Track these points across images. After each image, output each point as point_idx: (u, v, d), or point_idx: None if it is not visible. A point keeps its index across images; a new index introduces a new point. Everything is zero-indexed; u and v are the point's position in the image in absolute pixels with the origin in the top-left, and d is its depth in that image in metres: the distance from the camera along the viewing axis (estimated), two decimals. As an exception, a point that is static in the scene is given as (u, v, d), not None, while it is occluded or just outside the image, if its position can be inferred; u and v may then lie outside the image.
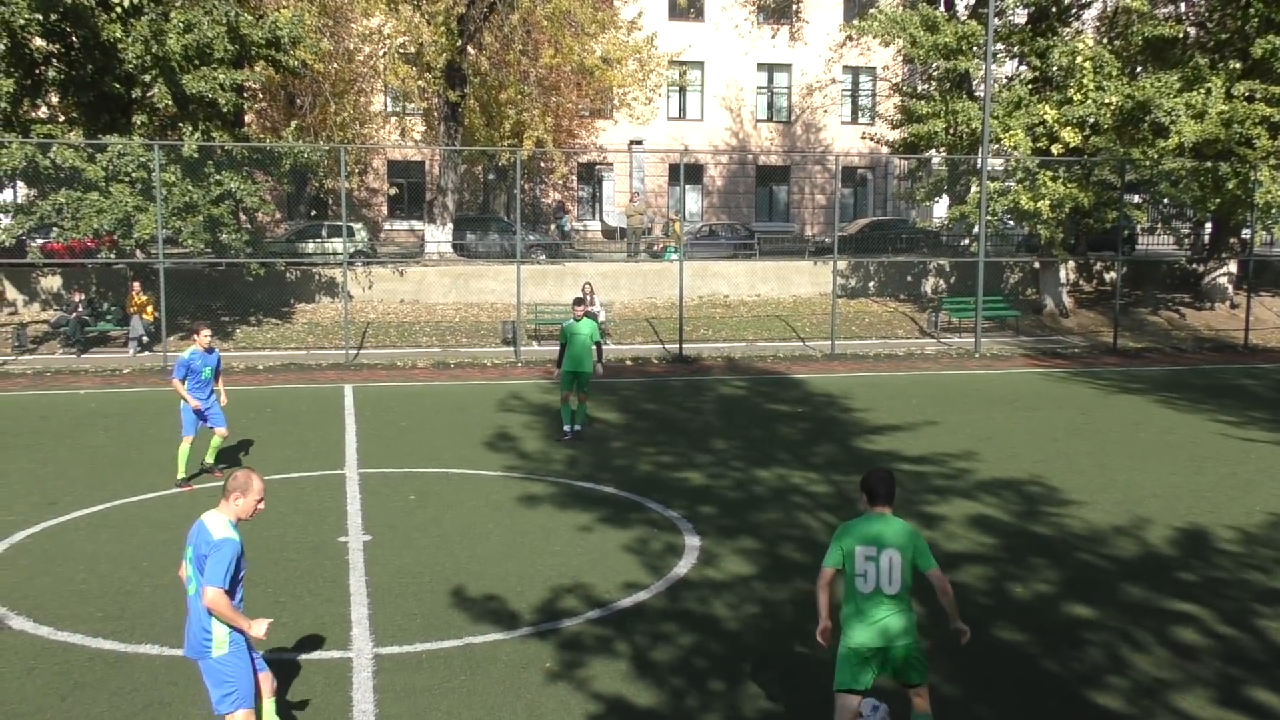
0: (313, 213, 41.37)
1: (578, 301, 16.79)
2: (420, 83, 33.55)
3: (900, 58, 39.30)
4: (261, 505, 6.76)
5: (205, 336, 13.66)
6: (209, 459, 14.09)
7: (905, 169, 38.48)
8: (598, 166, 48.28)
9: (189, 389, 13.46)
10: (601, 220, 48.21)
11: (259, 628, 6.44)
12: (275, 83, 33.60)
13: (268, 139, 30.54)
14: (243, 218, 27.53)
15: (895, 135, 35.14)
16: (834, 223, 29.63)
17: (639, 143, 45.06)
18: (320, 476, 14.09)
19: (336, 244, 31.16)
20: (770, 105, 50.62)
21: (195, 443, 13.71)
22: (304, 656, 8.57)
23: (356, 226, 34.77)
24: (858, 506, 6.89)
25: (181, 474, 13.61)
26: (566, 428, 16.21)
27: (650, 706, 7.82)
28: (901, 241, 38.61)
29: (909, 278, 34.31)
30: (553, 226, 42.55)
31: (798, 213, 49.96)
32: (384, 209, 46.04)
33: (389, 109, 40.95)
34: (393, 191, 42.42)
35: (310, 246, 33.53)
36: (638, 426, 17.58)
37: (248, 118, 31.99)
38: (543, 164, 38.42)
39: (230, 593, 6.41)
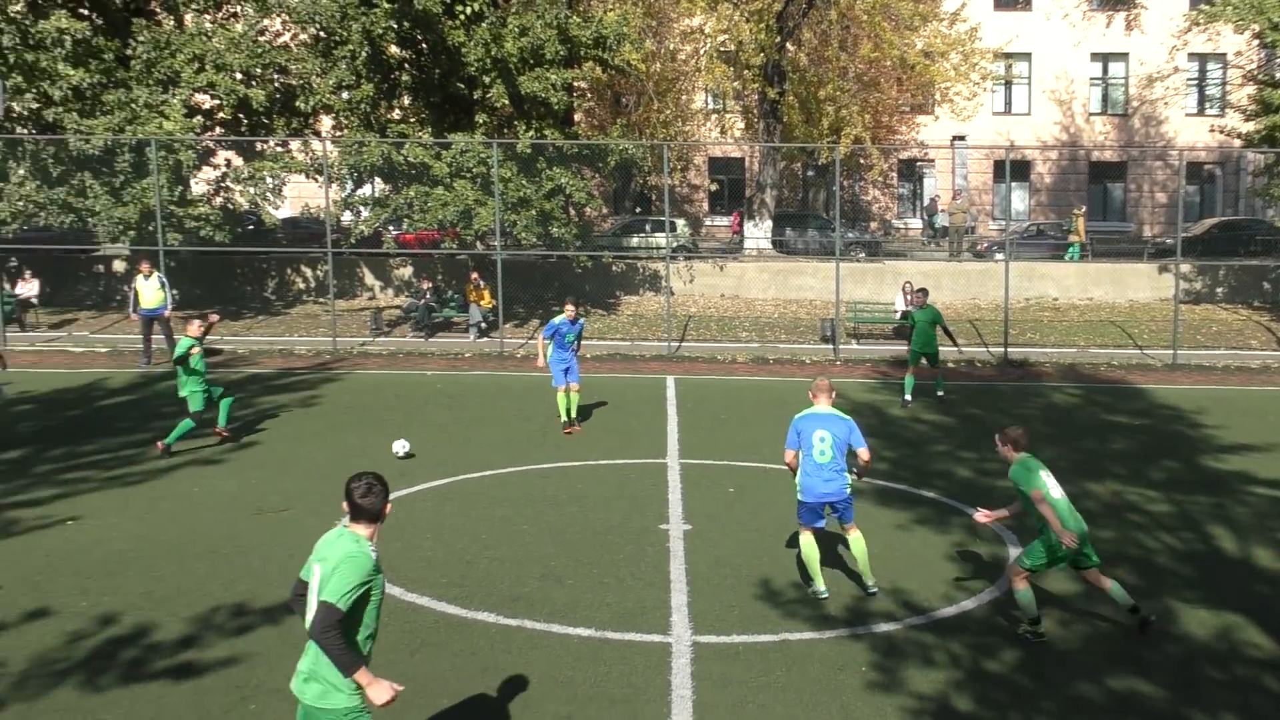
0: (637, 209, 42.71)
1: (922, 290, 20.24)
2: (736, 83, 33.97)
3: (1256, 43, 36.03)
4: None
5: (570, 310, 16.21)
6: (570, 414, 16.27)
7: (1261, 164, 35.29)
8: (918, 163, 47.17)
9: (553, 349, 16.10)
10: (922, 218, 47.07)
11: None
12: (602, 82, 34.91)
13: (595, 136, 31.80)
14: (572, 212, 28.81)
15: (1250, 128, 32.32)
16: (1177, 222, 27.59)
17: (961, 138, 43.64)
18: (643, 464, 14.54)
19: (659, 239, 32.03)
20: (1105, 97, 47.67)
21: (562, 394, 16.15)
22: (625, 637, 8.88)
23: (679, 222, 35.61)
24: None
25: (563, 418, 16.27)
26: (907, 396, 18.56)
27: None
28: (1256, 244, 35.43)
29: (1265, 284, 31.46)
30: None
31: (1135, 212, 46.88)
32: (705, 205, 46.88)
33: (709, 106, 41.65)
34: (713, 188, 43.14)
35: (635, 240, 34.63)
36: (962, 430, 17.05)
37: (577, 116, 33.40)
38: (862, 161, 37.96)
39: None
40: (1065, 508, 8.78)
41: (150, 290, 21.97)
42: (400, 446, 13.82)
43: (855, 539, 9.76)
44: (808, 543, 9.68)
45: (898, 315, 27.25)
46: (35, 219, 27.50)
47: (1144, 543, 11.44)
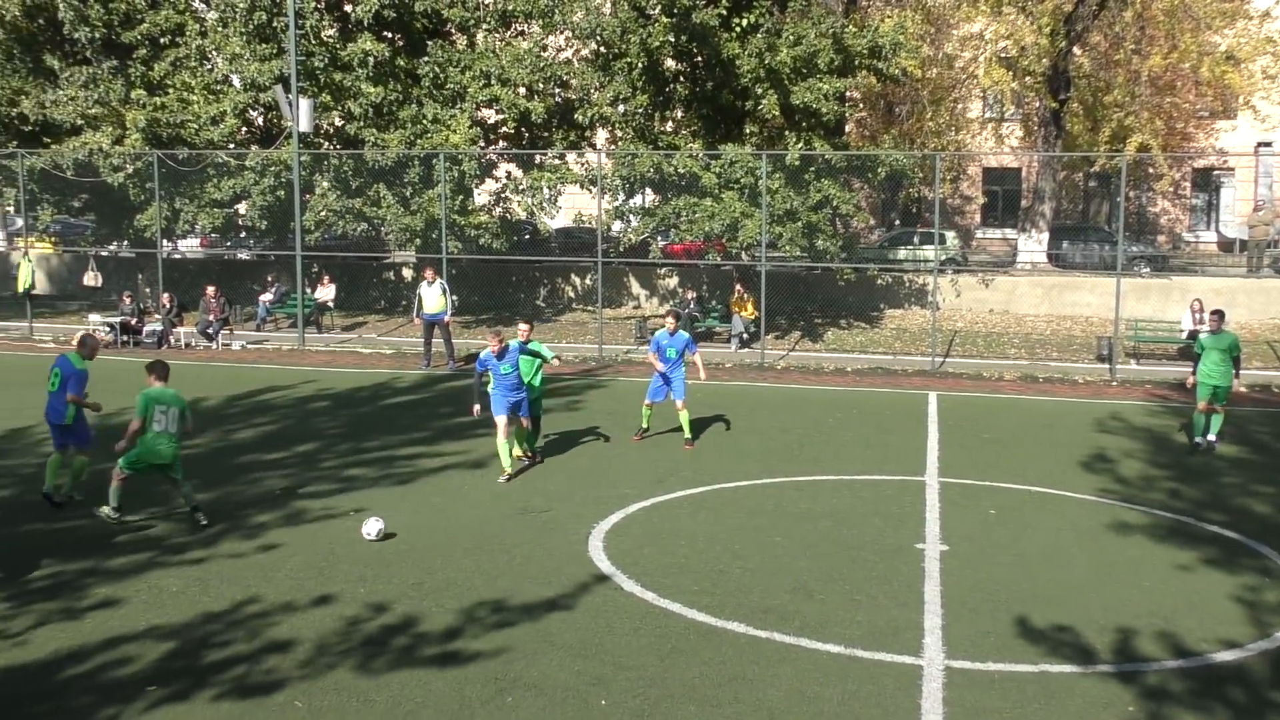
0: (896, 220, 41.89)
1: (1217, 313, 17.18)
2: (1015, 85, 32.71)
3: None
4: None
5: (670, 322, 16.19)
6: (685, 431, 16.10)
7: None
8: (1216, 172, 44.04)
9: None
10: (1217, 231, 43.93)
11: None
12: (875, 91, 34.42)
13: (865, 147, 31.41)
14: (838, 224, 28.56)
15: None
16: None
17: (1267, 145, 40.44)
18: (901, 481, 14.25)
19: (927, 251, 31.30)
20: None
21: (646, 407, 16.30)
22: (875, 656, 8.73)
23: (948, 234, 34.69)
24: None
25: (644, 425, 16.39)
26: (1200, 439, 16.29)
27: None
28: None
29: None
30: None
31: None
32: (976, 217, 45.45)
33: (986, 115, 40.35)
34: (982, 200, 41.78)
35: (902, 253, 33.97)
36: (1257, 462, 15.81)
37: (847, 126, 33.09)
38: (1150, 170, 35.82)
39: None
40: None
41: (433, 296, 23.28)
42: (373, 527, 11.36)
43: None
44: None
45: (1184, 335, 25.56)
46: (334, 227, 29.72)
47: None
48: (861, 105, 36.44)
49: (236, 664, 8.35)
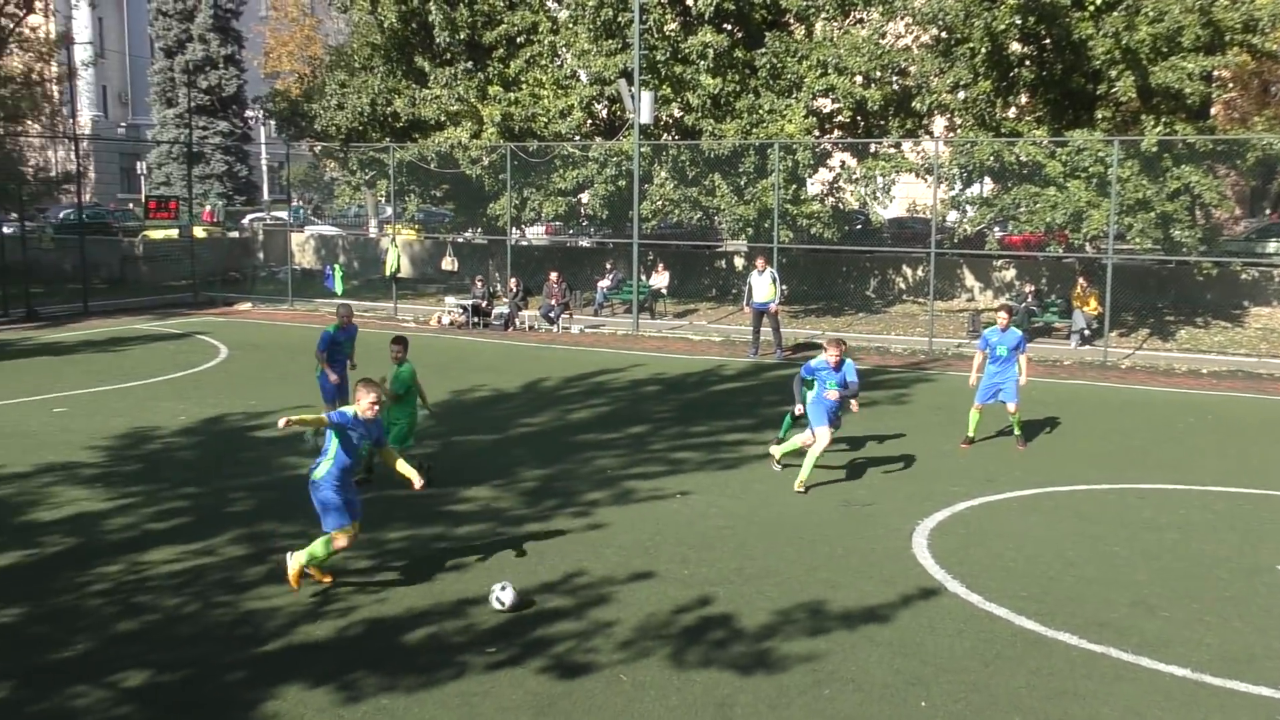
0: (1267, 210, 38.23)
1: None
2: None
3: None
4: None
5: (1003, 317, 15.30)
6: (1015, 430, 15.50)
7: None
8: None
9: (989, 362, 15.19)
10: None
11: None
12: (1248, 69, 31.57)
13: (1234, 130, 28.88)
14: (1198, 214, 26.45)
15: None
16: None
17: None
18: (1262, 495, 13.09)
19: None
20: None
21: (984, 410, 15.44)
22: (1227, 684, 8.10)
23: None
24: None
25: (970, 433, 15.45)
26: None
27: None
28: None
29: None
30: None
31: None
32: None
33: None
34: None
35: (1271, 246, 31.04)
36: None
37: (1214, 109, 30.53)
38: None
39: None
40: None
41: (763, 285, 23.49)
42: (507, 597, 9.19)
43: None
44: None
45: None
46: (669, 216, 30.57)
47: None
48: (1231, 85, 33.51)
49: (564, 639, 8.79)
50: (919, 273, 31.42)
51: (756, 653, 8.51)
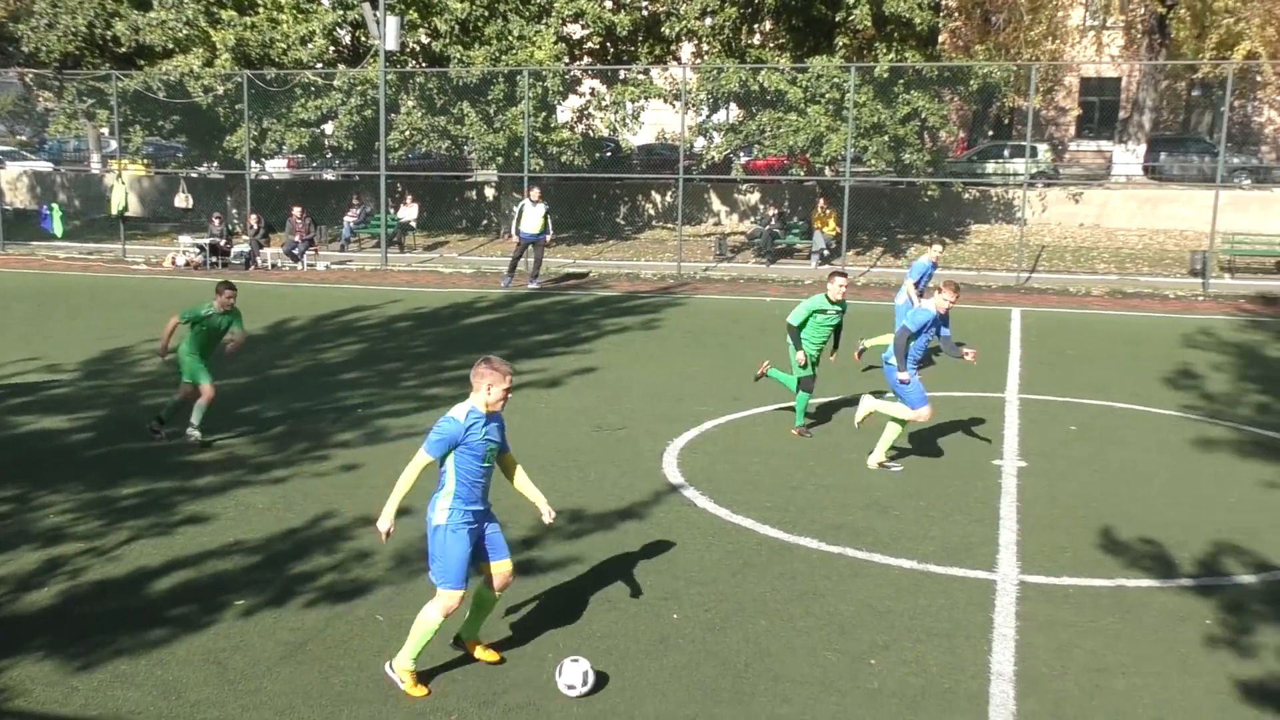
0: (990, 133, 40.82)
1: None
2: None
3: None
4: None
5: (935, 252, 16.56)
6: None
7: None
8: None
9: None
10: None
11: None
12: (972, 0, 33.40)
13: (959, 58, 30.56)
14: (926, 138, 27.94)
15: None
16: None
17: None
18: (980, 398, 14.10)
19: (1017, 165, 30.51)
20: None
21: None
22: (949, 571, 8.73)
23: (1040, 147, 33.73)
24: None
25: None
26: None
27: (1327, 693, 6.94)
28: None
29: None
30: None
31: None
32: (1071, 129, 44.08)
33: (1086, 23, 38.91)
34: (1077, 112, 40.46)
35: (990, 167, 33.16)
36: (1348, 378, 15.35)
37: (941, 37, 32.18)
38: (1258, 78, 34.33)
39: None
40: None
41: (535, 216, 23.17)
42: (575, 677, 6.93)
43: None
44: None
45: (1285, 248, 24.74)
46: (418, 146, 29.88)
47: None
48: (957, 14, 35.37)
49: (315, 584, 8.59)
50: (668, 199, 31.97)
51: (517, 580, 8.55)
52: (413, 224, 30.55)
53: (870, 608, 8.11)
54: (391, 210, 29.88)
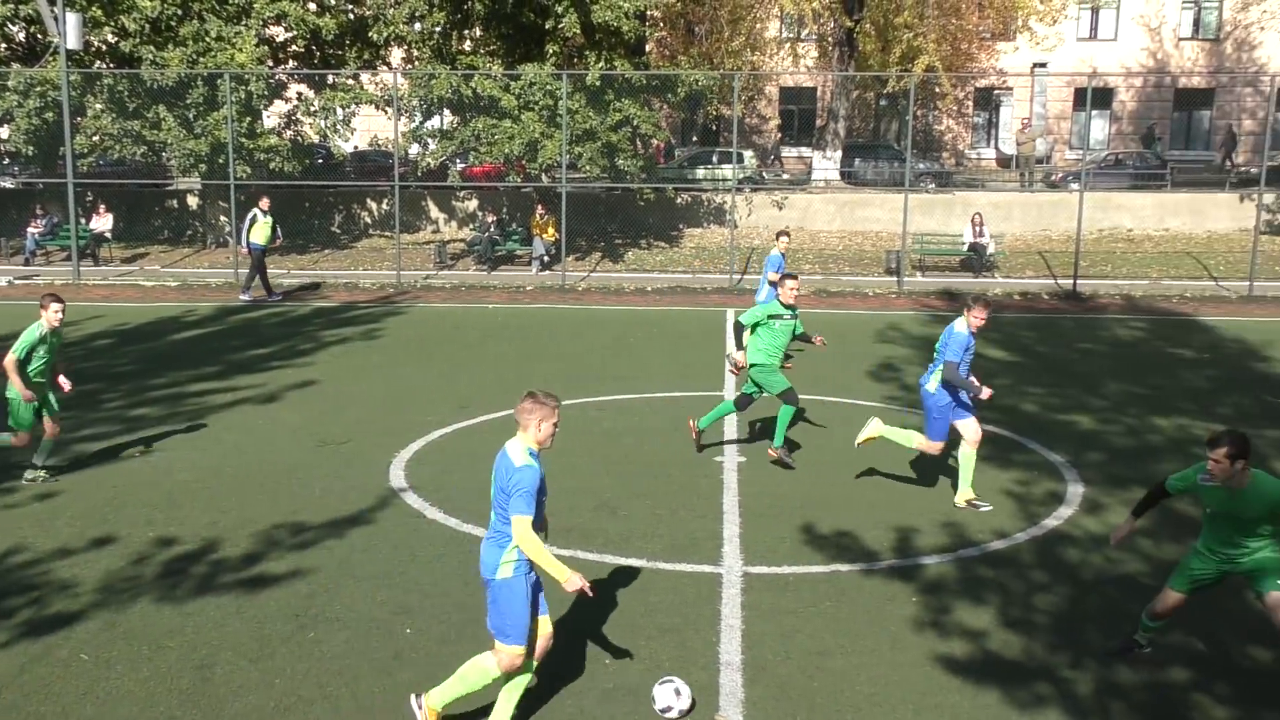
0: (693, 139, 42.34)
1: None
2: (814, 6, 33.30)
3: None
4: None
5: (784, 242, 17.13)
6: None
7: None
8: (996, 91, 46.06)
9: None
10: (996, 148, 46.08)
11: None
12: (675, 11, 34.48)
13: (665, 66, 31.50)
14: (638, 144, 28.64)
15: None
16: (1264, 151, 26.70)
17: (1042, 65, 42.50)
18: (701, 397, 14.55)
19: (726, 170, 31.77)
20: (1196, 22, 46.08)
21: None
22: (677, 568, 8.97)
23: (746, 153, 35.26)
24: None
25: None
26: None
27: (1015, 657, 7.58)
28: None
29: (1353, 214, 30.44)
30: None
31: (1221, 140, 45.43)
32: (774, 136, 46.32)
33: (783, 36, 40.98)
34: (775, 122, 42.54)
35: (701, 173, 34.37)
36: (1024, 365, 16.84)
37: (648, 46, 33.08)
38: (936, 89, 37.20)
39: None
40: None
41: (264, 226, 22.15)
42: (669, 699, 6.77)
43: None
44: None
45: (965, 247, 26.87)
46: (110, 152, 27.99)
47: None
48: (662, 24, 36.45)
49: (9, 627, 7.92)
50: (384, 206, 31.35)
51: (235, 607, 8.18)
52: (108, 235, 28.59)
53: (601, 605, 8.22)
54: (83, 220, 27.85)
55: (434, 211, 31.72)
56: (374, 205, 32.00)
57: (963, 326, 10.16)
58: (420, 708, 6.48)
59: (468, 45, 28.94)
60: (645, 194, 28.23)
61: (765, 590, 8.56)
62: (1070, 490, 10.95)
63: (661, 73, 28.55)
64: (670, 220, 30.82)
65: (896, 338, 18.66)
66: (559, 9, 25.80)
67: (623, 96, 26.29)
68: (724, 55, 35.40)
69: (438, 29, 26.98)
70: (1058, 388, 15.23)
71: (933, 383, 10.28)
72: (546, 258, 26.83)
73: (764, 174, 37.71)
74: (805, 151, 41.43)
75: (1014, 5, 34.52)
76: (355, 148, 35.79)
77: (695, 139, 42.63)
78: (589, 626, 7.92)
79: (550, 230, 26.85)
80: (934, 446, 10.50)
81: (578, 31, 26.16)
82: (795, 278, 11.85)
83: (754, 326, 11.51)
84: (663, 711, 6.73)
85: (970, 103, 46.29)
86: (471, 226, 30.22)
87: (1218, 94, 45.75)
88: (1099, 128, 45.32)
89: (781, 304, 11.58)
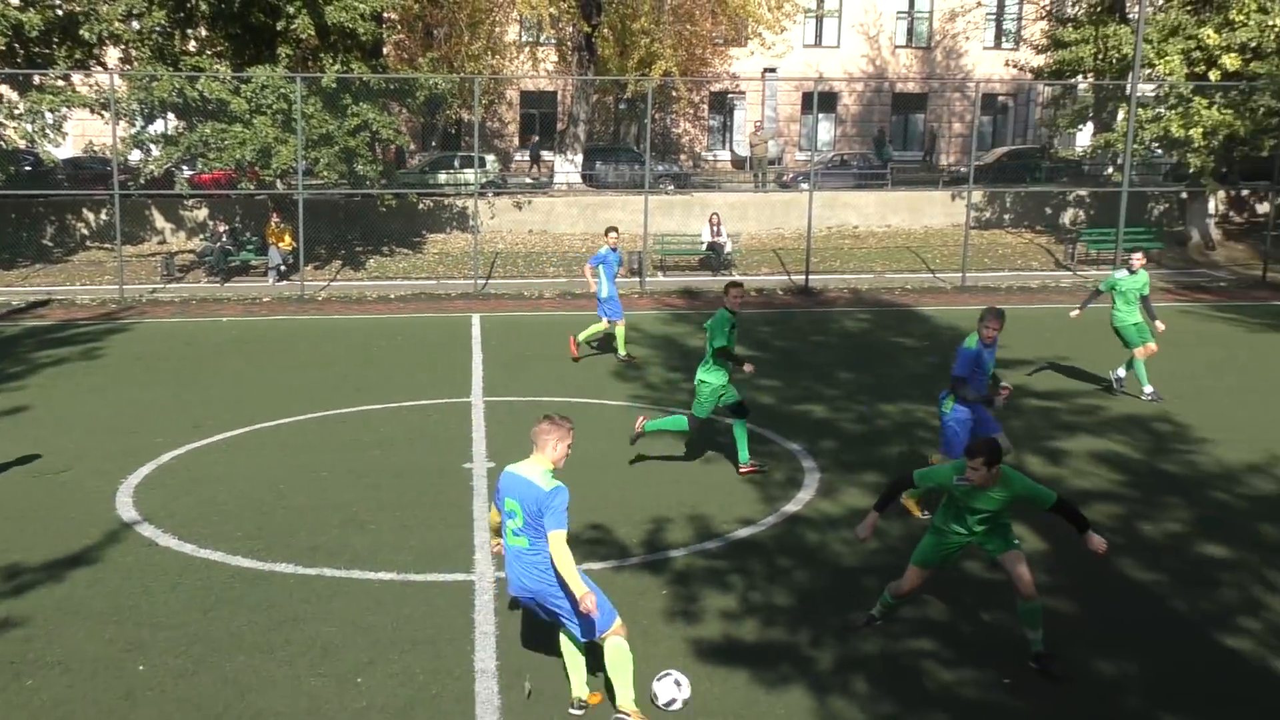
0: (433, 143, 41.91)
1: None
2: (552, 10, 33.51)
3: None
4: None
5: (613, 237, 17.47)
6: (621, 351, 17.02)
7: (1049, 96, 37.03)
8: (730, 95, 47.68)
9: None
10: (731, 150, 47.74)
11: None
12: (413, 13, 33.91)
13: (404, 70, 30.96)
14: (378, 149, 28.03)
15: (1040, 61, 33.82)
16: (970, 151, 28.74)
17: (773, 70, 44.31)
18: (447, 404, 14.41)
19: (468, 175, 31.54)
20: (910, 31, 49.21)
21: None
22: (428, 578, 8.84)
23: (488, 158, 35.12)
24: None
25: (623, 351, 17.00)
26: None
27: (761, 639, 7.86)
28: (1041, 171, 37.29)
29: (1047, 209, 33.15)
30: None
31: (934, 141, 48.66)
32: (515, 140, 46.37)
33: (522, 40, 41.04)
34: (513, 127, 42.54)
35: (442, 177, 33.99)
36: (761, 358, 17.44)
37: (385, 49, 32.43)
38: (674, 93, 38.15)
39: None
40: None
41: None
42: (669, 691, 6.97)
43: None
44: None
45: (704, 246, 27.68)
46: None
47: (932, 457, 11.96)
48: (399, 27, 35.80)
49: None
50: (103, 216, 29.43)
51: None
52: None
53: (354, 625, 8.03)
54: None
55: (160, 221, 30.03)
56: (91, 216, 29.97)
57: (973, 341, 10.20)
58: (624, 712, 6.61)
59: (192, 46, 27.53)
60: (386, 200, 27.67)
61: (518, 595, 8.55)
62: (807, 476, 11.44)
63: (400, 76, 28.05)
64: (413, 226, 30.33)
65: (639, 338, 18.98)
66: (290, 10, 24.91)
67: (360, 100, 25.65)
68: (464, 59, 35.12)
69: (158, 28, 25.51)
70: (793, 379, 15.89)
71: (948, 404, 10.22)
72: (284, 267, 25.89)
73: (506, 178, 37.68)
74: (547, 155, 41.67)
75: (745, 13, 35.76)
76: (67, 154, 33.45)
77: (435, 144, 42.13)
78: (339, 646, 7.70)
79: (287, 239, 25.93)
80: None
81: (312, 33, 25.32)
82: (741, 284, 11.72)
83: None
84: (667, 705, 6.85)
85: (706, 106, 47.71)
86: (201, 237, 28.80)
87: (930, 99, 48.97)
88: (825, 130, 47.69)
89: (733, 312, 11.44)
